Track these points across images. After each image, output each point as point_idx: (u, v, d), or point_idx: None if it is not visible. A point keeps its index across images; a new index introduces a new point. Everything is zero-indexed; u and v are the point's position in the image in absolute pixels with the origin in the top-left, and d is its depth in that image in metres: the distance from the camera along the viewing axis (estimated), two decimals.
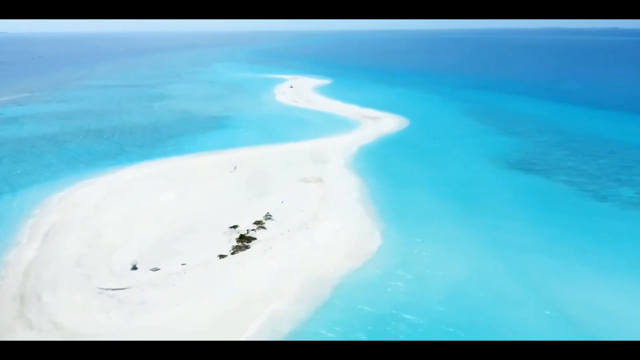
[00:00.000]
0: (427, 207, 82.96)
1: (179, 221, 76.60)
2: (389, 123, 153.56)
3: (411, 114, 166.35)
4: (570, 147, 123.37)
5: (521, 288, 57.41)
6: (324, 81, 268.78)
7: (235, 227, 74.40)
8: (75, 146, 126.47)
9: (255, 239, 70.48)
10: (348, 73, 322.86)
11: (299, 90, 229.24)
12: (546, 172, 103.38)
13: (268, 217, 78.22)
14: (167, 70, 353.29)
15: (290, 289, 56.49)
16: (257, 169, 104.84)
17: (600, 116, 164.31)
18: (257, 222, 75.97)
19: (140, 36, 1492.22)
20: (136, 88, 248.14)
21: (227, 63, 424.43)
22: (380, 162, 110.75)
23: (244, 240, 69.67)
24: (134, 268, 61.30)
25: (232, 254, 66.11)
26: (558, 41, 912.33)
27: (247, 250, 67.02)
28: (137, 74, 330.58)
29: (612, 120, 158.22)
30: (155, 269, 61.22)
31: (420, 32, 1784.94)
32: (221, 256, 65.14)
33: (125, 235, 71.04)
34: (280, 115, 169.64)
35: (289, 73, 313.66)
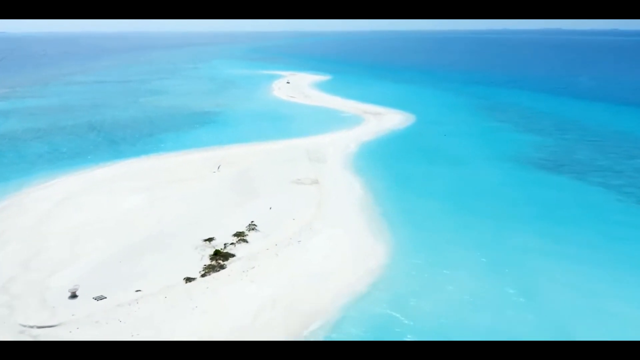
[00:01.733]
0: (442, 217, 69.19)
1: (143, 232, 62.78)
2: (393, 119, 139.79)
3: (416, 109, 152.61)
4: (599, 145, 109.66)
5: (571, 318, 43.69)
6: (323, 77, 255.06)
7: (210, 239, 60.62)
8: (41, 144, 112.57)
9: (233, 255, 56.67)
10: (348, 70, 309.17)
11: (296, 86, 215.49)
12: (578, 173, 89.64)
13: (252, 227, 64.44)
14: (161, 67, 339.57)
15: (272, 330, 42.62)
16: (244, 169, 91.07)
17: (624, 112, 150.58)
18: (238, 234, 62.15)
19: (141, 35, 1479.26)
20: (127, 84, 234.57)
21: (224, 60, 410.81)
22: (384, 162, 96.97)
23: (220, 258, 55.85)
24: (73, 296, 47.54)
25: (203, 276, 52.31)
26: (560, 40, 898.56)
27: (222, 272, 53.20)
28: (130, 70, 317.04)
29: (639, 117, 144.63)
30: (101, 298, 47.43)
31: (420, 33, 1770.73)
32: (188, 279, 51.33)
33: (72, 251, 57.18)
34: (274, 111, 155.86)
35: (287, 69, 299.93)
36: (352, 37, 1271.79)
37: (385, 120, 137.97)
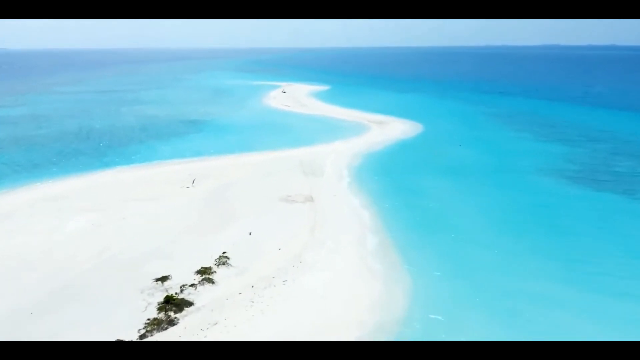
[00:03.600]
0: (471, 248, 53.47)
1: (77, 268, 46.94)
2: (399, 128, 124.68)
3: (424, 118, 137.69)
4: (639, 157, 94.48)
5: None
6: (321, 87, 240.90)
7: (164, 279, 44.81)
8: None
9: (191, 304, 40.78)
10: (348, 80, 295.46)
11: (292, 95, 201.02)
12: (623, 187, 74.25)
13: (223, 260, 48.66)
14: (154, 77, 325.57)
15: None
16: (224, 184, 75.52)
17: None
18: (203, 271, 46.31)
19: (139, 51, 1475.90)
20: (113, 93, 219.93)
21: (219, 71, 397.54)
22: (392, 175, 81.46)
23: (171, 307, 39.95)
24: None
25: (142, 337, 36.37)
26: (562, 54, 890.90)
27: (170, 330, 37.26)
28: (121, 80, 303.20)
29: None
30: None
31: (415, 49, 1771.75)
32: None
33: None
34: (266, 120, 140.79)
35: (283, 80, 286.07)
36: (352, 52, 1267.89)
37: (391, 129, 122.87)
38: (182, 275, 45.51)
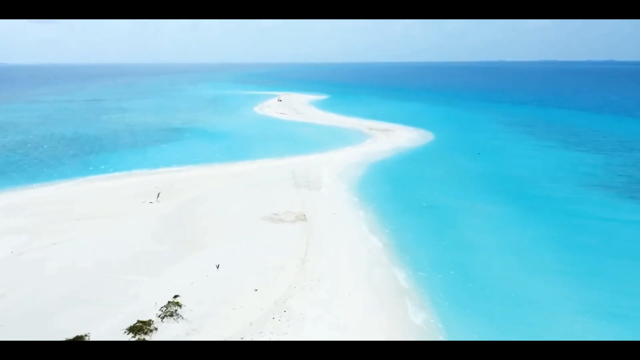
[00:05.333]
0: (513, 292, 38.57)
1: None
2: (407, 136, 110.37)
3: (432, 126, 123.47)
4: None
5: None
6: (320, 96, 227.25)
7: (77, 340, 29.73)
8: None
9: None
10: (349, 90, 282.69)
11: (289, 104, 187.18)
12: None
13: (171, 308, 33.69)
14: (144, 88, 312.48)
15: None
16: (195, 198, 60.80)
17: None
18: (138, 327, 31.29)
19: (137, 66, 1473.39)
20: (96, 102, 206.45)
21: (215, 82, 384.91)
22: (402, 190, 66.79)
23: None
24: None
25: None
26: (564, 69, 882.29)
27: None
28: (108, 90, 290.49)
29: None
30: None
31: (416, 64, 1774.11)
32: None
33: None
34: (258, 128, 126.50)
35: (280, 90, 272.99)
36: (353, 67, 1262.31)
37: (397, 137, 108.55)
38: (105, 334, 30.53)
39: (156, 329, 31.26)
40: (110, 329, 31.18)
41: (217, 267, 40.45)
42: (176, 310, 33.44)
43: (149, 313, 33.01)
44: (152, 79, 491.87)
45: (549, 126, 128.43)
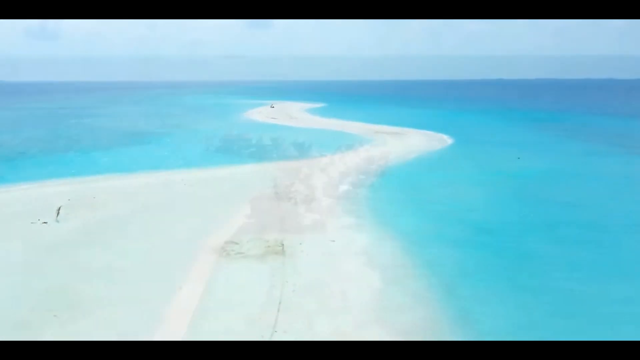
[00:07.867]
0: None
1: None
2: (422, 140, 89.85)
3: (449, 129, 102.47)
4: None
5: None
6: (318, 105, 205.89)
7: None
8: None
9: None
10: (349, 99, 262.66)
11: (282, 110, 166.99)
12: None
13: None
14: (129, 98, 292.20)
15: None
16: (112, 217, 39.63)
17: None
18: None
19: (136, 83, 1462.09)
20: (70, 109, 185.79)
21: (205, 95, 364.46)
22: (430, 205, 45.65)
23: None
24: None
25: None
26: (570, 84, 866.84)
27: None
28: (90, 97, 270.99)
29: None
30: None
31: (416, 82, 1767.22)
32: None
33: None
34: (242, 132, 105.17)
35: (275, 99, 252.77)
36: (350, 84, 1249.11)
37: (410, 140, 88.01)
38: None
39: None
40: None
41: None
42: None
43: None
44: (141, 93, 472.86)
45: (587, 129, 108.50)
